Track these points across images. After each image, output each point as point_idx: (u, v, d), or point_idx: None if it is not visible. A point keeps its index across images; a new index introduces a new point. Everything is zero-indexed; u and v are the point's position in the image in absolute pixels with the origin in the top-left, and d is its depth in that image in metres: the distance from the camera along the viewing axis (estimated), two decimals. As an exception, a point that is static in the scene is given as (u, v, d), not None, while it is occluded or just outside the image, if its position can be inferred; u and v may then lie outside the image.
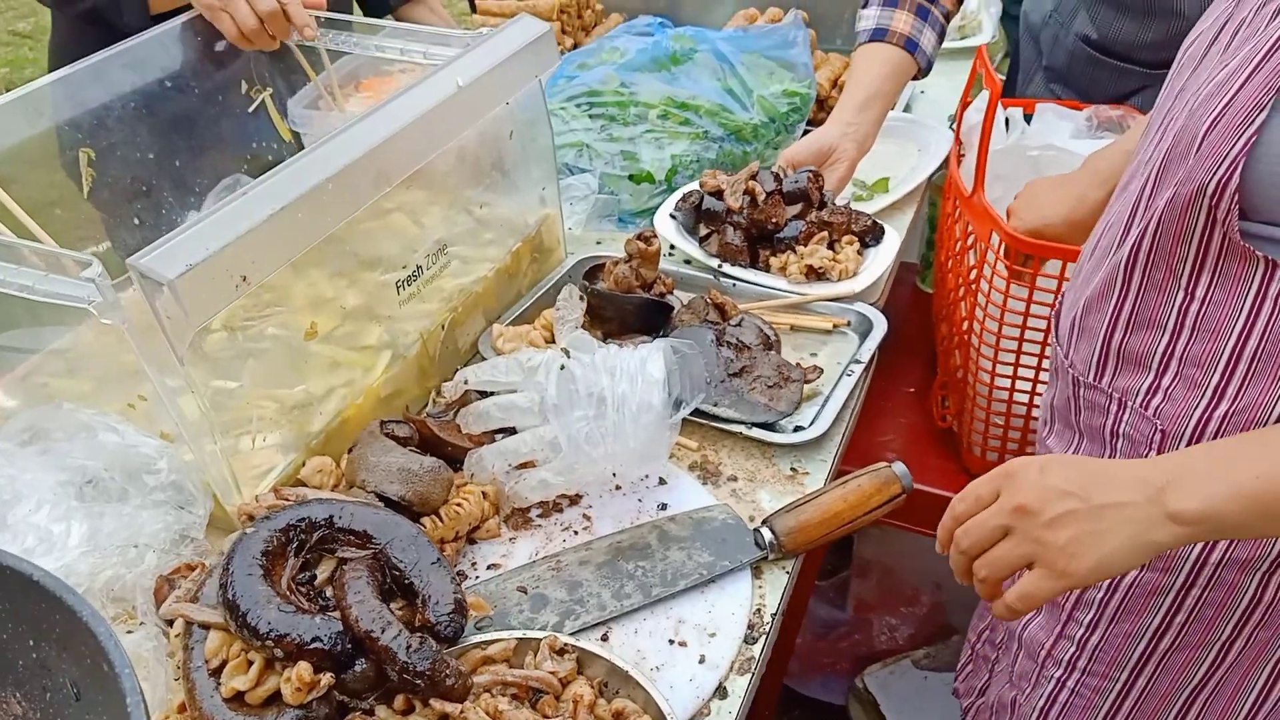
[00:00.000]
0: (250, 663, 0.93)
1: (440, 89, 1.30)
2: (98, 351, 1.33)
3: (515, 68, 1.42)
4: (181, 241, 1.01)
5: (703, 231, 1.66)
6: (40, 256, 1.04)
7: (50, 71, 1.87)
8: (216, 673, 0.95)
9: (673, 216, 1.70)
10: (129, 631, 1.04)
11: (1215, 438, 0.95)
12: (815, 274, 1.59)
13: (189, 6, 1.59)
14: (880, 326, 1.49)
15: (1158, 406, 1.00)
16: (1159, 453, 1.00)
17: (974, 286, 1.60)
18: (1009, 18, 2.73)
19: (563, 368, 1.23)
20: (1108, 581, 1.07)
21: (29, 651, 0.61)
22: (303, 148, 1.77)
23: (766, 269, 1.63)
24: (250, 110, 1.67)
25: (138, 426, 1.14)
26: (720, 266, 1.63)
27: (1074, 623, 1.15)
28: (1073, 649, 1.15)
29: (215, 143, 1.64)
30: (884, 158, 1.93)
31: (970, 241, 1.61)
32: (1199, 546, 1.01)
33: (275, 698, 0.92)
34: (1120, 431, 1.05)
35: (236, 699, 0.93)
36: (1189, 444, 0.98)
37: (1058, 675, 1.18)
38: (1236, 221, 0.87)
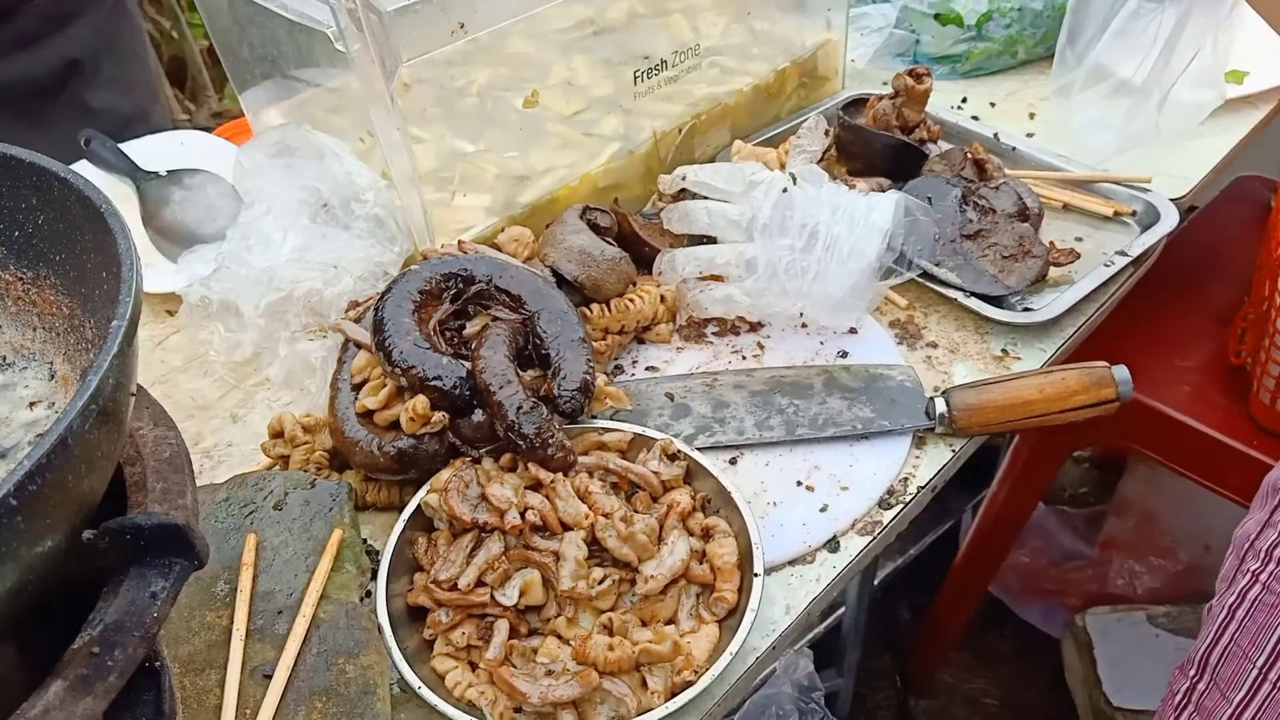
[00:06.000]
0: (384, 386, 0.98)
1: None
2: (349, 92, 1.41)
3: None
4: (407, -20, 1.03)
5: None
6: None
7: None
8: (357, 389, 1.01)
9: None
10: (310, 339, 1.13)
11: None
12: None
13: None
14: (1169, 220, 1.27)
15: None
16: None
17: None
18: None
19: (785, 190, 1.16)
20: None
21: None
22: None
23: None
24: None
25: (362, 160, 1.21)
26: None
27: None
28: (1274, 535, 0.99)
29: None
30: (1241, 45, 1.59)
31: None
32: None
33: (397, 424, 0.97)
34: None
35: (366, 415, 0.99)
36: None
37: (1253, 569, 1.01)
38: None
